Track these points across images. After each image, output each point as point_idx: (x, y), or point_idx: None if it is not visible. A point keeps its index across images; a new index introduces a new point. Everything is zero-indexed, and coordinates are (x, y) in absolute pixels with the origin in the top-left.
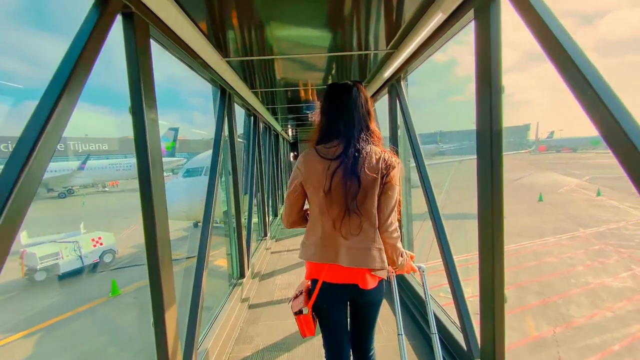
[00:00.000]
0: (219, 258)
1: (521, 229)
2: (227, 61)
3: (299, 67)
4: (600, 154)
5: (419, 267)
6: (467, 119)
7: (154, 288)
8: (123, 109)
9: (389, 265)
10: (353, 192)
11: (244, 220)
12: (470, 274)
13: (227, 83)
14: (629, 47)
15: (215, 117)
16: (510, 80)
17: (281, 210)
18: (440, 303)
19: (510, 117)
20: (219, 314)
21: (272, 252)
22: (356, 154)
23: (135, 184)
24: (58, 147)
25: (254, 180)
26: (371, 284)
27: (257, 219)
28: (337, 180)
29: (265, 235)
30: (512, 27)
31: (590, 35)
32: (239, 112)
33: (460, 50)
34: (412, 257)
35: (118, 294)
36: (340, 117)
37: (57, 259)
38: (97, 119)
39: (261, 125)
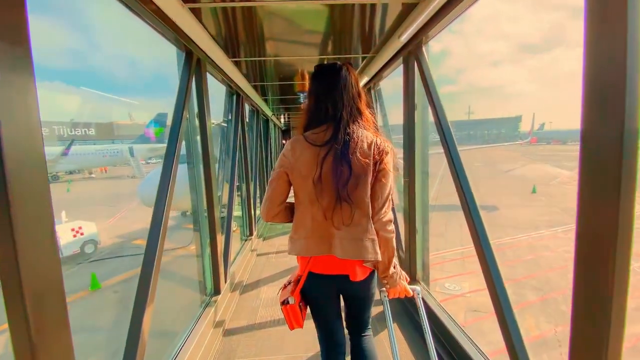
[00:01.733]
0: (189, 266)
1: (516, 222)
2: (190, 9)
3: (289, 28)
4: None
5: (414, 290)
6: (460, 110)
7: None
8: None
9: (380, 274)
10: (344, 179)
11: (220, 217)
12: (467, 267)
13: (195, 44)
14: None
15: (177, 87)
16: (501, 72)
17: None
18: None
19: (500, 109)
20: (182, 345)
21: (258, 255)
22: (346, 137)
23: (124, 170)
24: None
25: (235, 169)
26: (360, 275)
27: (240, 215)
28: (327, 168)
29: (251, 234)
30: (505, 19)
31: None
32: (218, 88)
33: (453, 40)
34: (407, 280)
35: (98, 287)
36: (329, 99)
37: None
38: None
39: (247, 107)
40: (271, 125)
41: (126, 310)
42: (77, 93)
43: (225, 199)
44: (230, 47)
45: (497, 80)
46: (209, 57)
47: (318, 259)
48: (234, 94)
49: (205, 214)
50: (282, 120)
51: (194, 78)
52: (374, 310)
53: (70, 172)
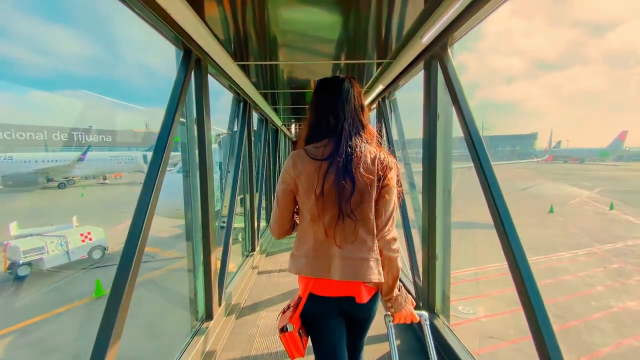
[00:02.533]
0: (183, 283)
1: (533, 243)
2: (189, 2)
3: (301, 30)
4: (609, 165)
5: (421, 315)
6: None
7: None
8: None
9: (384, 296)
10: (347, 194)
11: (217, 232)
12: (482, 290)
13: (194, 42)
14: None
15: (172, 86)
16: (516, 88)
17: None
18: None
19: (515, 125)
20: None
21: (259, 272)
22: (349, 150)
23: (138, 177)
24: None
25: (238, 179)
26: (366, 296)
27: (243, 228)
28: (329, 183)
29: (253, 249)
30: (519, 35)
31: (599, 47)
32: (223, 95)
33: (468, 56)
34: (412, 304)
35: (102, 294)
36: (331, 110)
37: (41, 253)
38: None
39: (255, 115)
40: (281, 136)
41: (128, 318)
42: (98, 101)
43: (226, 212)
44: (236, 50)
45: (512, 97)
46: (210, 57)
47: (320, 279)
48: (241, 101)
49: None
50: (293, 131)
51: (192, 79)
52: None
53: (86, 177)
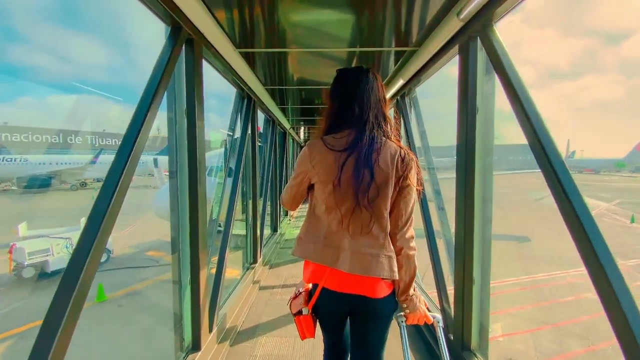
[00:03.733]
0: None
1: (551, 256)
2: None
3: (311, 13)
4: (626, 177)
5: (434, 317)
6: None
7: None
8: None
9: (399, 295)
10: (365, 186)
11: (212, 237)
12: (499, 305)
13: (184, 15)
14: None
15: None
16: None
17: (283, 222)
18: None
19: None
20: None
21: (260, 288)
22: (371, 140)
23: (148, 180)
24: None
25: (238, 183)
26: (383, 291)
27: (244, 238)
28: (348, 173)
29: (255, 261)
30: (531, 45)
31: (616, 55)
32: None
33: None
34: (426, 305)
35: (104, 299)
36: (356, 99)
37: (47, 255)
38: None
39: (260, 114)
40: (289, 140)
41: (127, 325)
42: (114, 106)
43: (224, 217)
44: (238, 34)
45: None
46: (206, 39)
47: (333, 274)
48: (245, 97)
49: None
50: (302, 134)
51: (183, 64)
52: None
53: (98, 180)
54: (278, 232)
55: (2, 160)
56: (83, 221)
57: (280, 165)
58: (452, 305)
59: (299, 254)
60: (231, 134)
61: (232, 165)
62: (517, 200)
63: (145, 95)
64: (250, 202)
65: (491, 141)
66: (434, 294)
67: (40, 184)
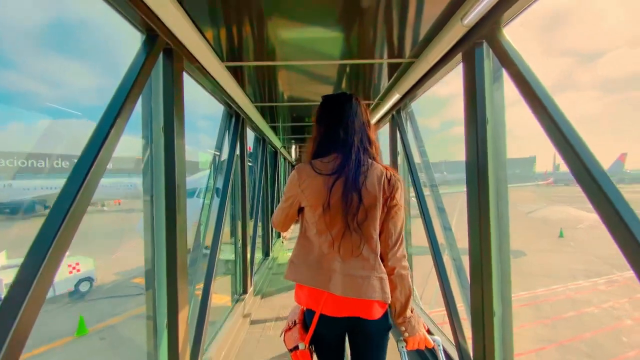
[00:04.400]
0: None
1: (548, 270)
2: None
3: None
4: None
5: (434, 340)
6: (497, 144)
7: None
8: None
9: (396, 317)
10: (354, 208)
11: (197, 266)
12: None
13: (161, 22)
14: (630, 84)
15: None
16: (511, 113)
17: (276, 244)
18: None
19: (514, 149)
20: None
21: (252, 322)
22: (357, 163)
23: (135, 204)
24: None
25: (225, 207)
26: (378, 312)
27: (234, 266)
28: (337, 196)
29: (245, 291)
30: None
31: (591, 73)
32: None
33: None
34: (425, 328)
35: (85, 333)
36: (341, 123)
37: None
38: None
39: (250, 133)
40: (280, 159)
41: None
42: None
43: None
44: (223, 46)
45: (509, 123)
46: (189, 51)
47: (330, 298)
48: (233, 115)
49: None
50: (294, 154)
51: (161, 72)
52: None
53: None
54: (270, 257)
55: None
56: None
57: (271, 186)
58: (468, 341)
59: (292, 278)
60: (218, 153)
61: (220, 185)
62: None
63: (110, 109)
64: (239, 225)
65: (504, 153)
66: (434, 313)
67: (25, 209)
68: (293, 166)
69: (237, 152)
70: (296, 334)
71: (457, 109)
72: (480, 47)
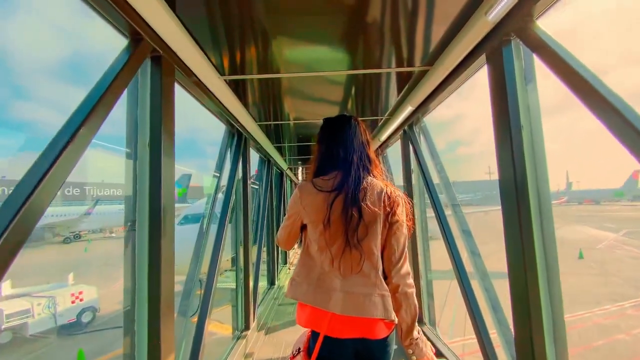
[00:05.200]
0: None
1: (572, 294)
2: None
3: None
4: (627, 206)
5: None
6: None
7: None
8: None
9: (403, 339)
10: (354, 225)
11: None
12: None
13: (148, 26)
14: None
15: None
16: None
17: (282, 271)
18: None
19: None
20: None
21: None
22: (357, 181)
23: None
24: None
25: (223, 233)
26: (383, 332)
27: (234, 296)
28: (337, 213)
29: (247, 327)
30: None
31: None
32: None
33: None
34: (433, 351)
35: None
36: (340, 143)
37: (26, 317)
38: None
39: (253, 154)
40: (287, 182)
41: None
42: (111, 156)
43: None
44: (222, 58)
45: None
46: (180, 59)
47: (334, 319)
48: (235, 134)
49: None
50: (300, 175)
51: (148, 82)
52: None
53: (93, 231)
54: (276, 285)
55: None
56: (71, 277)
57: (277, 209)
58: None
59: (291, 296)
60: (218, 174)
61: (219, 210)
62: None
63: (74, 117)
64: (241, 251)
65: (544, 164)
66: (454, 344)
67: (32, 237)
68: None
69: (240, 173)
70: None
71: (461, 129)
72: (509, 45)
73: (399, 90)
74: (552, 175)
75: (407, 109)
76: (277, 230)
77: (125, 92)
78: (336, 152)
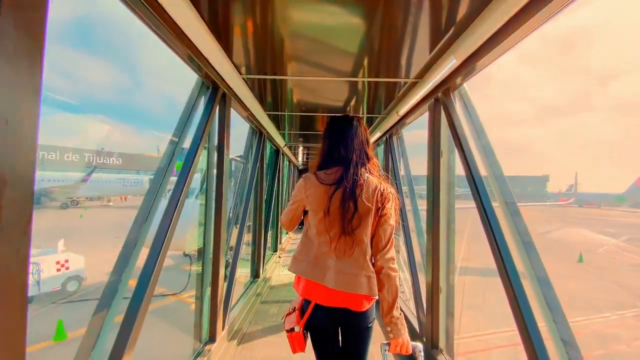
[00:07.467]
0: None
1: (569, 298)
2: None
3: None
4: (628, 212)
5: (415, 347)
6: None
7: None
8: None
9: (384, 316)
10: (350, 216)
11: None
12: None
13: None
14: None
15: None
16: (524, 132)
17: (269, 261)
18: None
19: (526, 167)
20: None
21: None
22: (355, 178)
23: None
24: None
25: (175, 210)
26: (364, 306)
27: (199, 299)
28: (336, 204)
29: (213, 339)
30: (528, 83)
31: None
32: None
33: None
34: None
35: (63, 338)
36: (341, 141)
37: None
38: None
39: (242, 120)
40: (283, 159)
41: None
42: (116, 125)
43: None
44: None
45: (521, 140)
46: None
47: (324, 290)
48: (209, 87)
49: None
50: (301, 157)
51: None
52: None
53: (90, 199)
54: (261, 278)
55: None
56: (61, 244)
57: (269, 191)
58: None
59: (294, 270)
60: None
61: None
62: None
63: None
64: (211, 239)
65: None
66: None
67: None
68: (300, 171)
69: (215, 138)
70: (294, 318)
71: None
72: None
73: (438, 39)
74: (552, 176)
75: (449, 64)
76: (265, 215)
77: None
78: (338, 150)
